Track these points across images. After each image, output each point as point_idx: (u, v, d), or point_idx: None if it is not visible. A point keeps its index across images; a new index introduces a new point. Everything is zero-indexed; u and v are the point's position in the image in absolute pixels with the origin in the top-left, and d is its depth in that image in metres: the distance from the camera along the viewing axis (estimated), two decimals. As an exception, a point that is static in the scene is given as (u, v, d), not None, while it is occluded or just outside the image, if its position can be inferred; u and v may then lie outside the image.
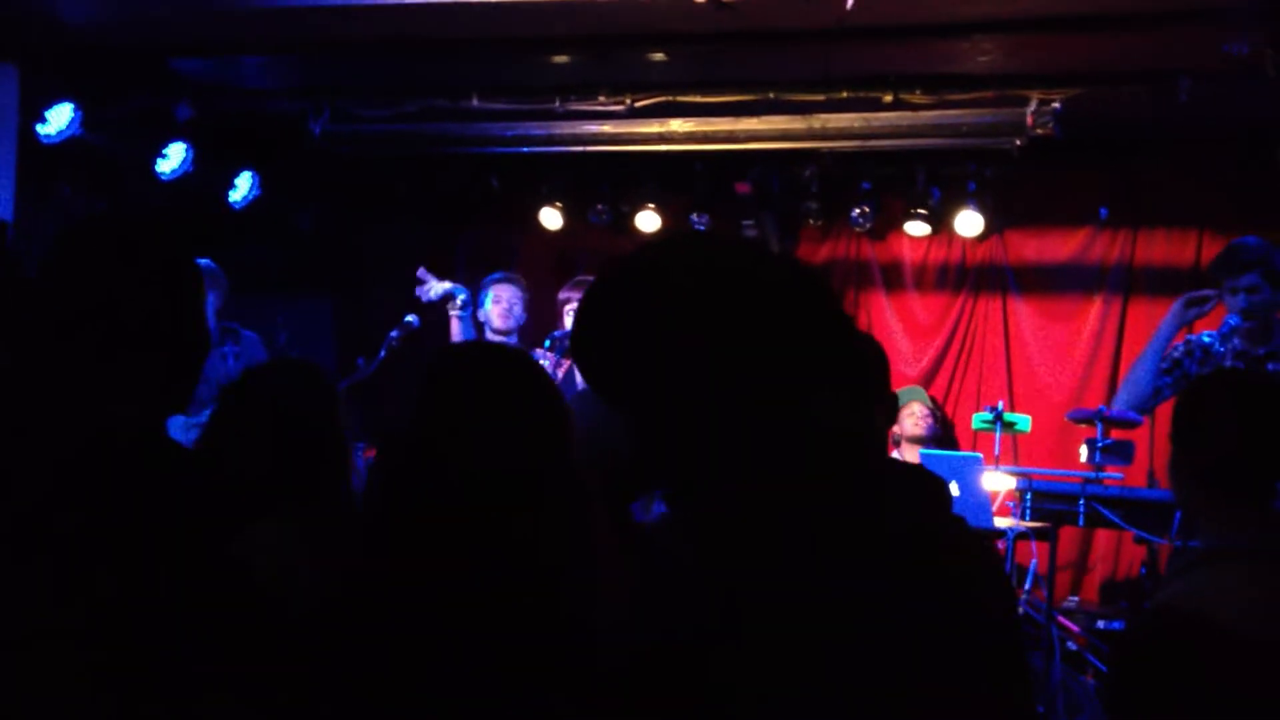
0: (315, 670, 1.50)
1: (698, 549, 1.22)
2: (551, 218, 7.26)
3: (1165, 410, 4.29)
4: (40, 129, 5.61)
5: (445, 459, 1.63)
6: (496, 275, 5.89)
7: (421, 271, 5.74)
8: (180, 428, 4.45)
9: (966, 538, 1.28)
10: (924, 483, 1.31)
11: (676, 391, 1.21)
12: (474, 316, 5.70)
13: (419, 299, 5.69)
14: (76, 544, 1.53)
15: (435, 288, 5.66)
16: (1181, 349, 4.64)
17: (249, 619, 1.61)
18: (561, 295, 6.02)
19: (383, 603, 1.56)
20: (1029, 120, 5.69)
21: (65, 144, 5.69)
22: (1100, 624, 5.24)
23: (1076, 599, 6.26)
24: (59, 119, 5.65)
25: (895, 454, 6.44)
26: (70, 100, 5.66)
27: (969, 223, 6.70)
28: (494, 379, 1.73)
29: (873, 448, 1.36)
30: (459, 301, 5.61)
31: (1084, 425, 4.91)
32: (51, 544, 1.53)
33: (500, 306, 5.72)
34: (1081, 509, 4.66)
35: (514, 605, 1.51)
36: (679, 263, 1.27)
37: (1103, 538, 6.54)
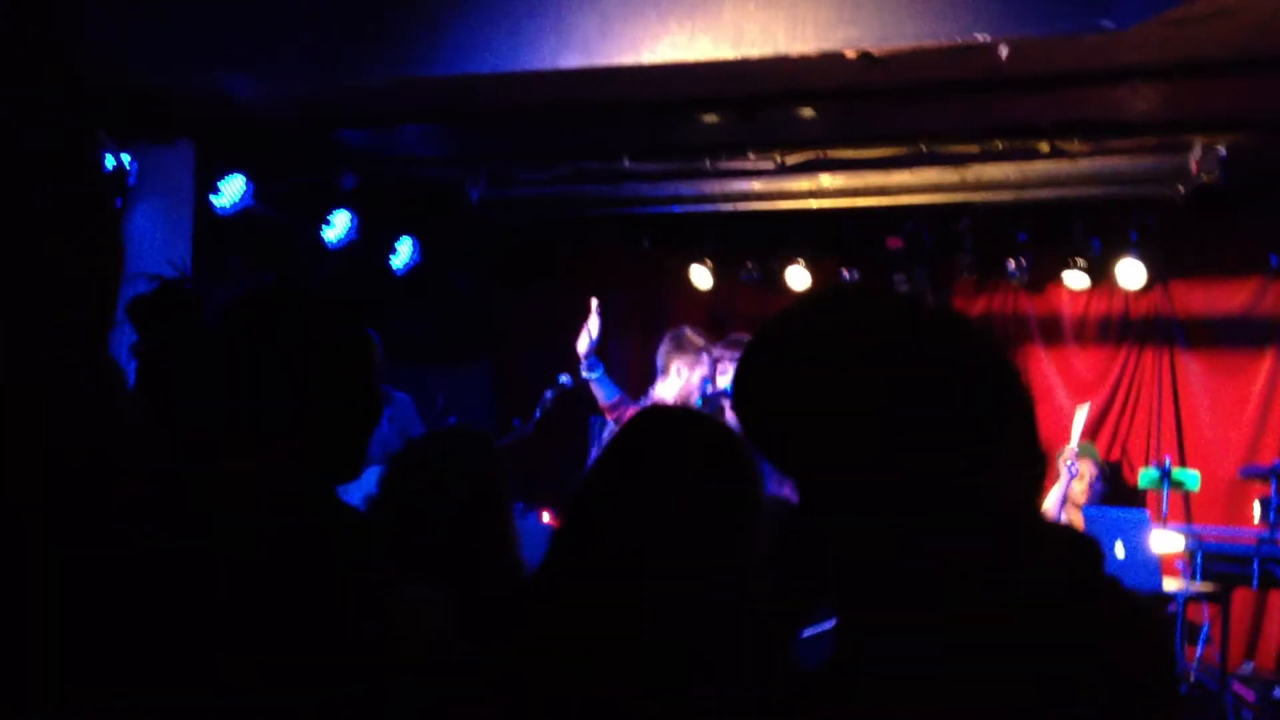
0: None
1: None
2: (702, 276, 7.31)
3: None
4: (215, 200, 5.87)
5: (618, 525, 1.63)
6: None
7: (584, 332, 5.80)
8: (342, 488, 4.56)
9: (1123, 603, 1.21)
10: (1076, 545, 1.24)
11: (847, 455, 1.16)
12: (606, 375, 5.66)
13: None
14: (229, 596, 1.59)
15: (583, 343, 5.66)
16: None
17: (392, 681, 1.64)
18: (715, 353, 5.97)
19: (523, 671, 1.56)
20: (1193, 167, 5.49)
21: (237, 215, 5.93)
22: (1277, 692, 4.98)
23: (1251, 665, 5.96)
24: (232, 191, 5.92)
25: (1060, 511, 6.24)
26: (242, 173, 5.91)
27: (1131, 274, 6.51)
28: (684, 445, 1.70)
29: (1031, 508, 1.30)
30: (585, 364, 5.60)
31: (1258, 482, 4.71)
32: (204, 594, 1.59)
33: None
34: (1256, 570, 4.47)
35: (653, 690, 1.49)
36: (844, 318, 1.23)
37: (1280, 600, 6.23)
